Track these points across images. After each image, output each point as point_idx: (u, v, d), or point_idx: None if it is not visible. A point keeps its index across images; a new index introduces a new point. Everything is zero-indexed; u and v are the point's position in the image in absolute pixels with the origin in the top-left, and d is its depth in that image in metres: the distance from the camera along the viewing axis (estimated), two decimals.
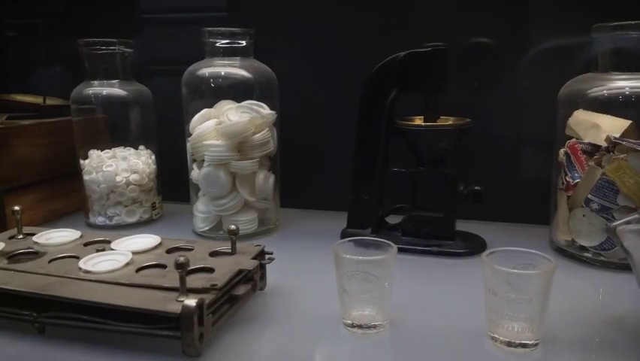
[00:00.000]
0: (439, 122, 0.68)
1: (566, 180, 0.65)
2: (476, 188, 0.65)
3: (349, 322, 0.48)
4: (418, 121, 0.69)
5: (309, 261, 0.68)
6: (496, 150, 0.82)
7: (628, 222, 0.45)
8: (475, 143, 0.73)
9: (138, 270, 0.50)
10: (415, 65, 0.65)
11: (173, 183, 0.87)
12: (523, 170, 0.82)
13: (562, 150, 0.67)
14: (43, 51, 1.02)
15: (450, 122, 0.68)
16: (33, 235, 0.61)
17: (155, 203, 0.84)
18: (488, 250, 0.46)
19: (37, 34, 1.02)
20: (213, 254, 0.55)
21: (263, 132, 0.73)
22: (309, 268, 0.65)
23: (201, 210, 0.76)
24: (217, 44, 0.74)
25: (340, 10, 0.84)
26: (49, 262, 0.53)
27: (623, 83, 0.63)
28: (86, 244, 0.58)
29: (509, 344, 0.44)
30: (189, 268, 0.45)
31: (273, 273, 0.58)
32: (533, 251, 0.46)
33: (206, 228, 0.76)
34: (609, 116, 0.63)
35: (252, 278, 0.54)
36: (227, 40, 0.74)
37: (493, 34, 0.80)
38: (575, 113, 0.65)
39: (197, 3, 0.92)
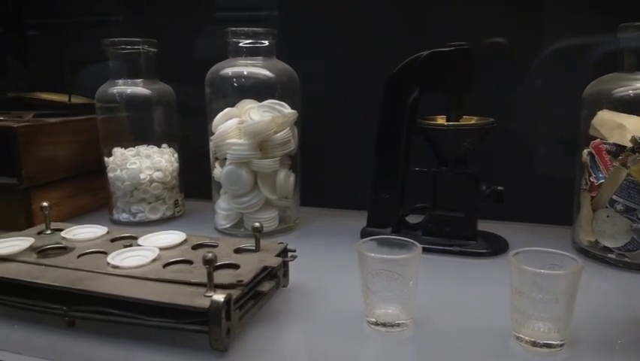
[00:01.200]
0: (461, 122, 0.68)
1: (589, 180, 0.65)
2: (499, 188, 0.65)
3: (373, 320, 0.48)
4: (441, 120, 0.69)
5: (329, 259, 0.68)
6: (517, 150, 0.82)
7: None
8: (496, 142, 0.73)
9: (165, 265, 0.51)
10: (438, 65, 0.65)
11: (194, 181, 0.89)
12: (544, 170, 0.82)
13: (585, 151, 0.66)
14: (67, 50, 1.04)
15: (473, 122, 0.67)
16: (61, 230, 0.62)
17: (177, 200, 0.85)
18: (514, 250, 0.46)
19: (62, 33, 1.04)
20: (238, 251, 0.56)
21: (284, 131, 0.74)
22: (330, 266, 0.66)
23: (223, 207, 0.77)
24: (240, 44, 0.75)
25: (363, 9, 0.84)
26: (78, 257, 0.54)
27: None
28: (113, 240, 0.59)
29: (534, 343, 0.44)
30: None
31: (294, 270, 0.58)
32: (560, 251, 0.46)
33: (228, 225, 0.77)
34: (634, 116, 0.62)
35: (276, 275, 0.54)
36: (250, 40, 0.75)
37: (514, 34, 0.79)
38: (599, 113, 0.65)
39: (220, 3, 0.93)
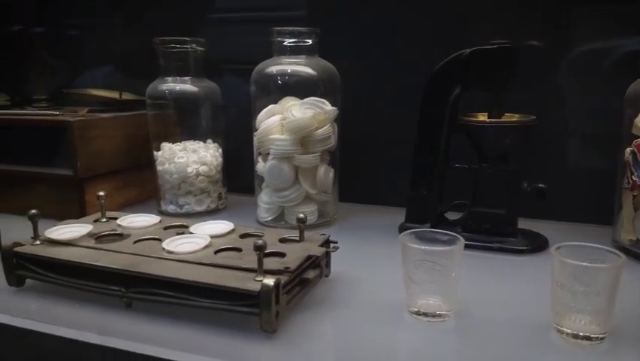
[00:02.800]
0: (503, 119, 0.69)
1: (631, 179, 0.64)
2: (540, 185, 0.66)
3: (415, 310, 0.50)
4: (482, 118, 0.70)
5: (368, 252, 0.70)
6: (557, 148, 0.82)
7: None
8: (536, 140, 0.73)
9: (216, 252, 0.54)
10: (481, 63, 0.66)
11: (235, 176, 0.92)
12: (583, 168, 0.81)
13: (628, 149, 0.66)
14: (117, 49, 1.09)
15: (515, 119, 0.68)
16: (115, 218, 0.66)
17: (221, 193, 0.88)
18: (556, 245, 0.47)
19: (113, 32, 1.09)
20: (282, 241, 0.58)
21: (325, 128, 0.76)
22: (370, 258, 0.68)
23: (265, 201, 0.80)
24: (284, 43, 0.78)
25: (403, 7, 0.85)
26: (134, 243, 0.57)
27: None
28: (165, 228, 0.62)
29: (575, 336, 0.45)
30: None
31: (334, 262, 0.60)
32: (601, 246, 0.47)
33: (269, 218, 0.80)
34: None
35: (319, 265, 0.56)
36: (295, 39, 0.77)
37: (551, 32, 0.79)
38: None
39: (266, 3, 0.95)
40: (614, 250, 0.46)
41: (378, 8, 0.87)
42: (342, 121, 0.80)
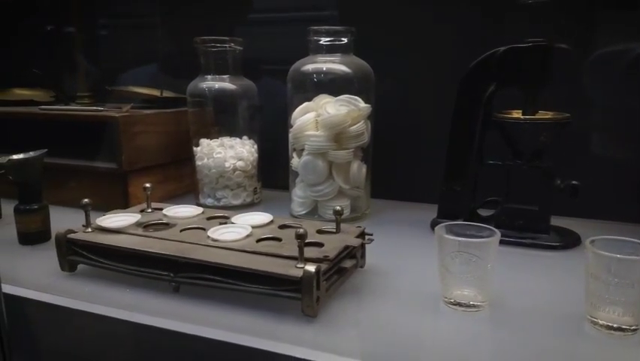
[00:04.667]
0: (538, 116, 0.69)
1: None
2: (573, 182, 0.66)
3: (450, 300, 0.52)
4: (516, 114, 0.70)
5: (401, 246, 0.71)
6: (588, 146, 0.82)
7: None
8: (570, 137, 0.73)
9: (258, 241, 0.57)
10: (516, 60, 0.67)
11: (269, 174, 0.94)
12: (619, 166, 0.81)
13: None
14: (158, 48, 1.13)
15: (549, 117, 0.69)
16: (160, 209, 0.69)
17: (256, 188, 0.91)
18: (590, 238, 0.48)
19: (154, 32, 1.13)
20: (320, 232, 0.61)
21: (358, 124, 0.78)
22: (402, 251, 0.69)
23: (299, 195, 0.82)
24: (320, 42, 0.80)
25: (436, 5, 0.86)
26: (181, 231, 0.61)
27: None
28: (208, 218, 0.65)
29: (609, 327, 0.46)
30: None
31: (368, 254, 0.62)
32: (635, 240, 0.47)
33: (303, 212, 0.82)
34: None
35: (355, 255, 0.58)
36: (330, 38, 0.79)
37: (580, 33, 0.79)
38: None
39: (301, 3, 0.98)
40: None
41: (411, 6, 0.88)
42: (375, 118, 0.82)
